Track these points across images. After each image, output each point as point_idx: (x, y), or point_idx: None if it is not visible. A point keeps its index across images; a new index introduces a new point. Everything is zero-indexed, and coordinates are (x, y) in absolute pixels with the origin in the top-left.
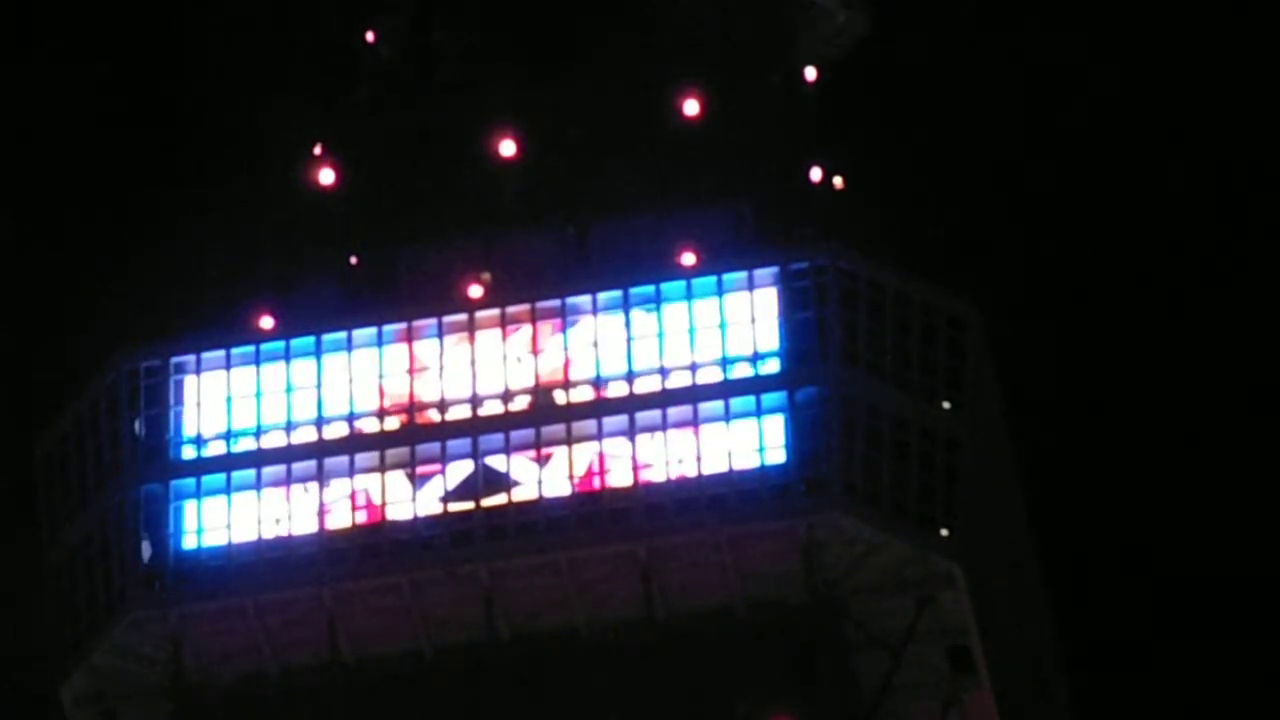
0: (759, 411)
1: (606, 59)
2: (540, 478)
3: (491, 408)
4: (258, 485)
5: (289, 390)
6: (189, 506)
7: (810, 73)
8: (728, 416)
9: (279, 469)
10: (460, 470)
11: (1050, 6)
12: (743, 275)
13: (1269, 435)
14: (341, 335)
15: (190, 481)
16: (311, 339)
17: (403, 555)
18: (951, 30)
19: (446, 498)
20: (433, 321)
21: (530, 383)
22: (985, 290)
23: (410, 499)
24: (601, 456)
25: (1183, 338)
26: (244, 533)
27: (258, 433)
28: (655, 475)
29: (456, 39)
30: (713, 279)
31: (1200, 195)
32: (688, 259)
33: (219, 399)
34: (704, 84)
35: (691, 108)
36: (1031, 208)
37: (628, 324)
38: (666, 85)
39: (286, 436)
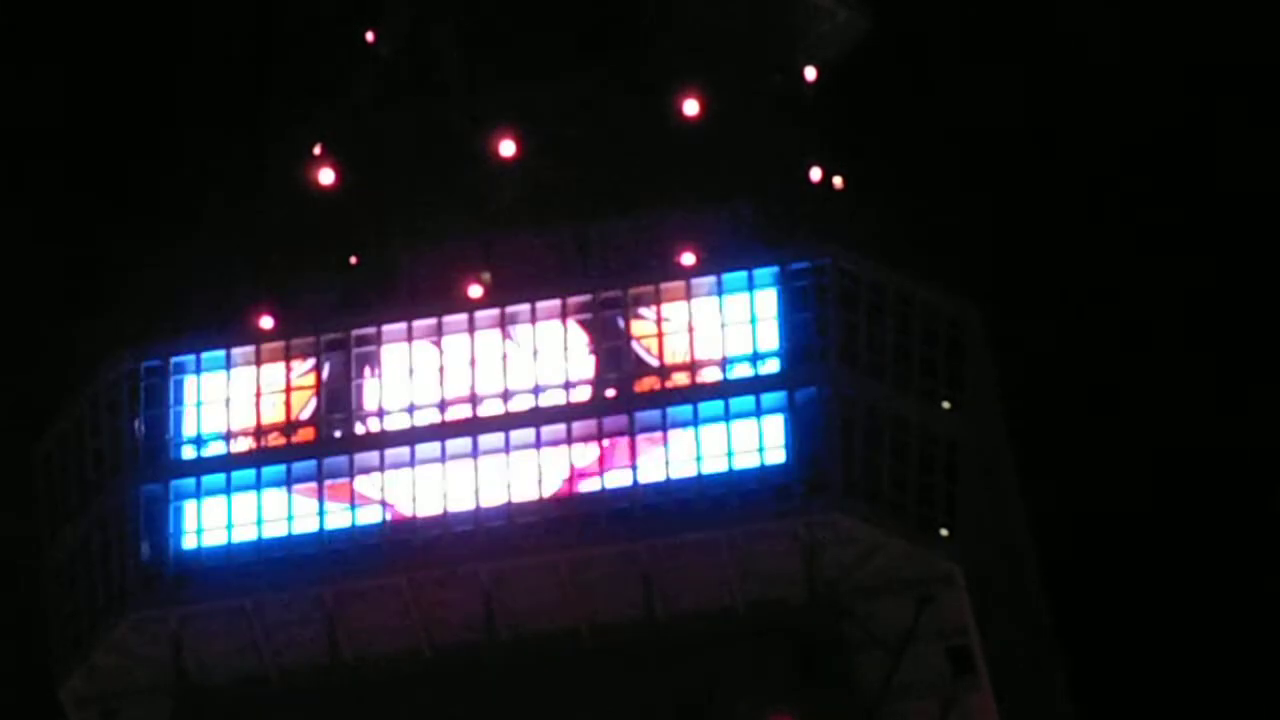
0: (759, 412)
1: (606, 59)
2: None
3: (491, 408)
4: (258, 485)
5: (289, 390)
6: (189, 506)
7: (810, 72)
8: (728, 417)
9: (279, 469)
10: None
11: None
12: (743, 275)
13: (1270, 435)
14: (340, 335)
15: (190, 481)
16: (311, 339)
17: (403, 555)
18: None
19: None
20: (433, 321)
21: (530, 383)
22: (985, 290)
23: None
24: (603, 458)
25: (1183, 337)
26: (244, 533)
27: (258, 433)
28: (655, 476)
29: (456, 38)
30: (713, 279)
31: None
32: (688, 259)
33: (219, 399)
34: (704, 84)
35: (691, 108)
36: (1032, 207)
37: (627, 323)
38: (666, 85)
39: (286, 436)
